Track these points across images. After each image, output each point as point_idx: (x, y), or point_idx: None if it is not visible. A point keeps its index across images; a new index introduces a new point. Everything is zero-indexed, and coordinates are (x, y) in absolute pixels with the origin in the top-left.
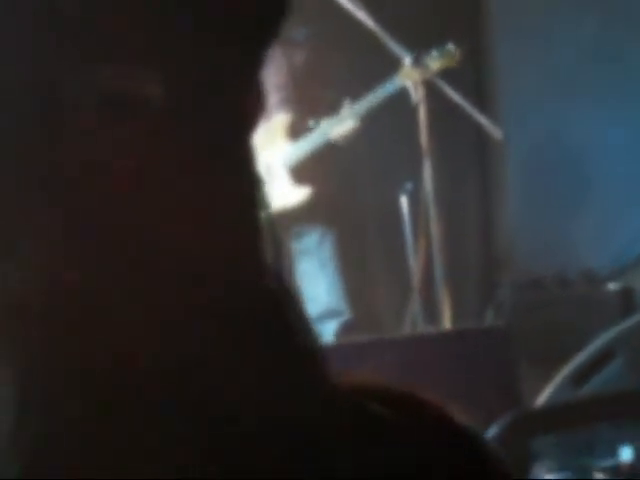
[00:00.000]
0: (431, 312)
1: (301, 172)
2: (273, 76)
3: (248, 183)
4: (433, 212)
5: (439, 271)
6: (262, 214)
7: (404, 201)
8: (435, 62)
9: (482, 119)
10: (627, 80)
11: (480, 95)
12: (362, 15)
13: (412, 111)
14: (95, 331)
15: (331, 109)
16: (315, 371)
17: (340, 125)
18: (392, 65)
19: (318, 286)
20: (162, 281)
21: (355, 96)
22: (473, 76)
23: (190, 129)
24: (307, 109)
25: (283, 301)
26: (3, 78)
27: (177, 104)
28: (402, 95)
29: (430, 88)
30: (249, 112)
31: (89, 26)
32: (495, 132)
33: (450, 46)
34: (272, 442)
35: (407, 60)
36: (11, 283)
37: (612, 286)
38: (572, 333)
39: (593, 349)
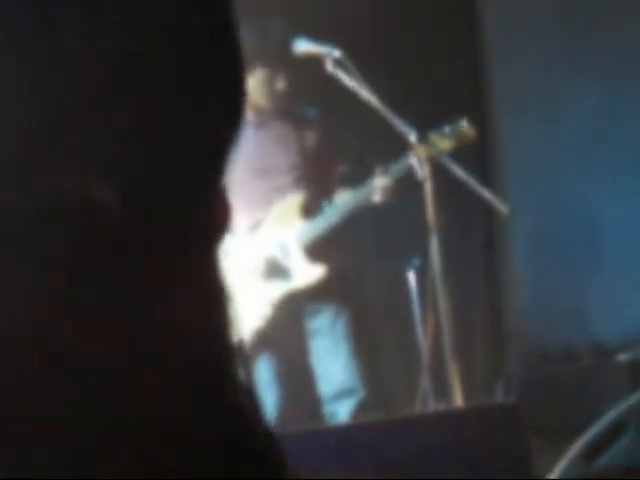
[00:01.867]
0: (441, 388)
1: (315, 250)
2: (285, 156)
3: (212, 297)
4: (441, 288)
5: (448, 347)
6: (231, 327)
7: (411, 277)
8: (448, 140)
9: (487, 194)
10: (632, 149)
11: (485, 170)
12: (366, 94)
13: (418, 187)
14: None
15: (344, 185)
16: (271, 467)
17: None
18: (400, 141)
19: (332, 365)
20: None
21: (368, 172)
22: (478, 151)
23: (147, 241)
24: (320, 187)
25: (247, 412)
26: None
27: (133, 214)
28: (408, 171)
29: (435, 164)
30: (213, 223)
31: (43, 138)
32: (501, 207)
33: (463, 122)
34: None
35: (412, 137)
36: None
37: (622, 358)
38: (582, 407)
39: (604, 423)
